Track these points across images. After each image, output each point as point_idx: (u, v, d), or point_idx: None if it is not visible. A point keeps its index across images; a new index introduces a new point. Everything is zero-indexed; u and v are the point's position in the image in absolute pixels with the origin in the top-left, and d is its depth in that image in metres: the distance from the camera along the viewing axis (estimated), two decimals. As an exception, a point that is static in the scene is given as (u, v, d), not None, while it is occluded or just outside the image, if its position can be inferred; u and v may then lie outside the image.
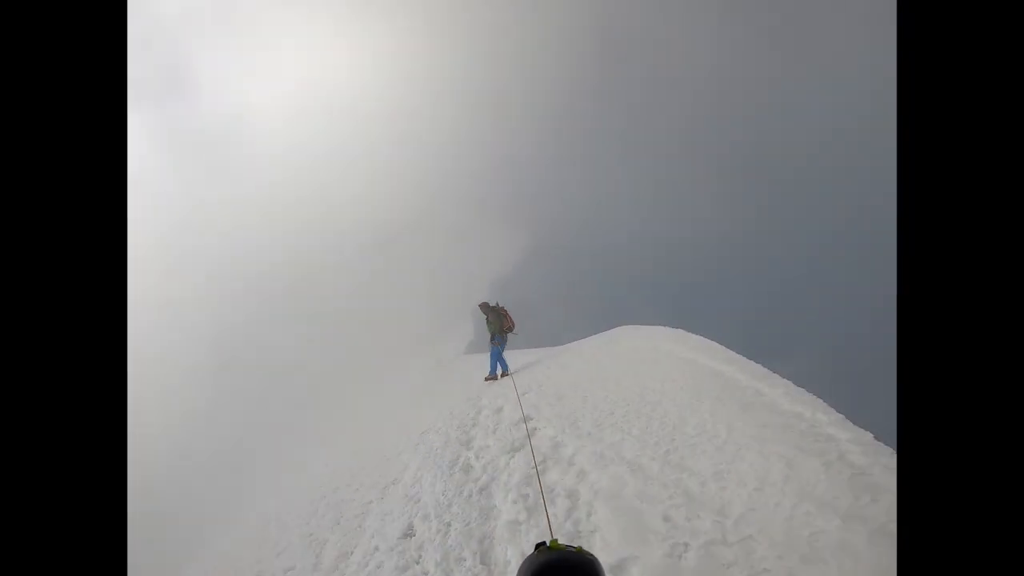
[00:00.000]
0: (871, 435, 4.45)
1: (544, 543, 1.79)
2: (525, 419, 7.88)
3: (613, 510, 4.80)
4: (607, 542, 4.45)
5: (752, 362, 7.09)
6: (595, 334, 15.60)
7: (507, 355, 12.99)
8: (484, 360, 12.93)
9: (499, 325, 12.99)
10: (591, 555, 1.74)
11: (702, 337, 9.40)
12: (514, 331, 13.24)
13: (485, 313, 13.21)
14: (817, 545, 3.58)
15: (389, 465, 8.86)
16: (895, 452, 4.15)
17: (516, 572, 1.77)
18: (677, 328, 10.83)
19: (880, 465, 4.04)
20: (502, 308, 13.32)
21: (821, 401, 5.29)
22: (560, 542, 1.78)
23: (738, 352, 8.31)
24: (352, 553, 6.13)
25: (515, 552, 4.87)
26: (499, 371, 12.51)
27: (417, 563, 5.29)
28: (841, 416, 4.87)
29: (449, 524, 5.75)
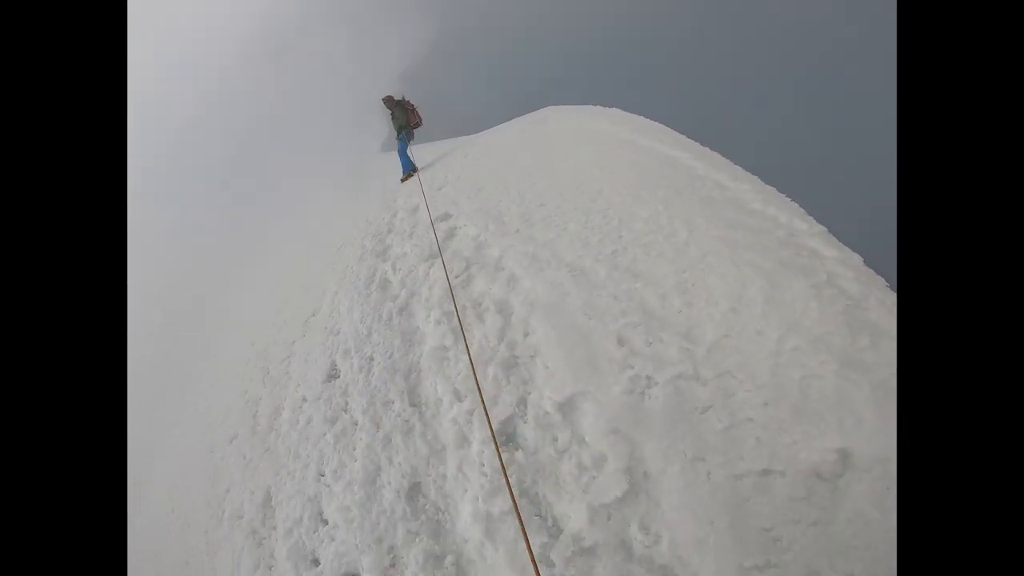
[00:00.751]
0: (859, 257, 3.72)
1: None
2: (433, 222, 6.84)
3: (554, 328, 4.06)
4: (551, 371, 3.75)
5: (710, 150, 6.12)
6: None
7: (422, 148, 12.19)
8: (398, 158, 11.92)
9: (405, 120, 12.20)
10: None
11: (643, 118, 8.25)
12: (421, 125, 12.53)
13: (390, 108, 12.28)
14: (811, 394, 2.94)
15: (308, 293, 7.81)
16: (889, 286, 3.44)
17: None
18: (612, 108, 9.58)
19: (875, 299, 3.33)
20: (408, 102, 12.38)
21: (798, 206, 4.48)
22: None
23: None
24: (283, 408, 5.36)
25: (445, 387, 4.16)
26: (412, 168, 11.68)
27: (345, 411, 4.62)
28: (823, 228, 4.10)
29: (371, 358, 5.02)
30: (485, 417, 3.59)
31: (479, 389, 3.74)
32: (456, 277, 5.40)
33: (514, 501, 2.84)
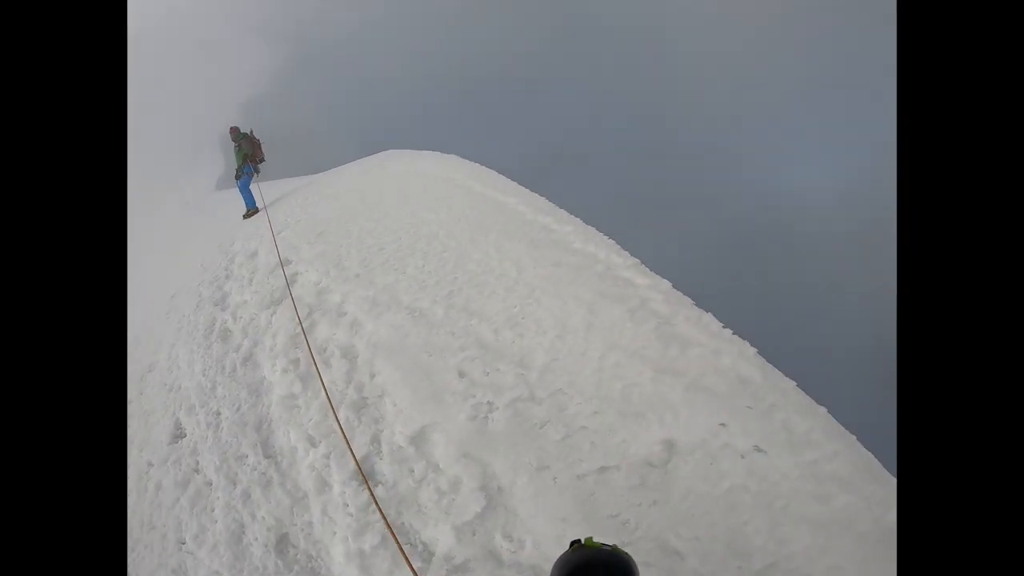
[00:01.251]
0: (668, 283, 4.27)
1: (579, 541, 1.75)
2: (283, 263, 6.77)
3: (398, 367, 4.23)
4: (400, 409, 3.91)
5: (536, 195, 6.62)
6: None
7: (264, 187, 11.48)
8: (237, 197, 11.35)
9: (252, 153, 11.52)
10: (626, 554, 1.72)
11: (479, 165, 8.69)
12: (264, 161, 11.91)
13: (236, 140, 11.54)
14: (632, 399, 3.36)
15: (142, 346, 7.11)
16: (695, 303, 4.01)
17: (550, 571, 1.74)
18: (450, 154, 9.95)
19: (682, 316, 3.87)
20: (255, 136, 11.77)
21: (614, 242, 5.02)
22: (595, 540, 1.74)
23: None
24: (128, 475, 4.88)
25: (299, 435, 4.12)
26: (257, 204, 11.03)
27: (197, 471, 4.39)
28: (637, 260, 4.65)
29: (218, 413, 4.83)
30: (347, 454, 3.66)
31: (339, 424, 3.80)
32: (299, 324, 5.37)
33: (389, 527, 2.96)
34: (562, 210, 5.95)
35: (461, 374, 3.95)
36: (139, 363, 6.69)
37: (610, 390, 3.44)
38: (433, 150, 10.62)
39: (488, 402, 3.65)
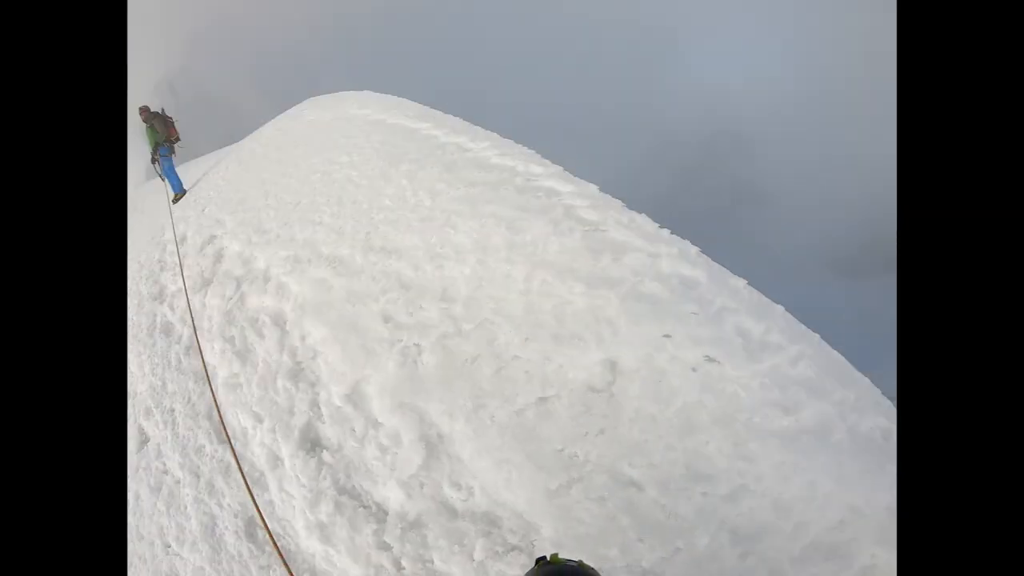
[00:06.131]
0: (595, 186, 4.00)
1: (544, 557, 1.75)
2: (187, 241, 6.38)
3: (327, 324, 3.99)
4: (332, 366, 3.68)
5: (450, 116, 6.24)
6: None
7: (188, 166, 11.00)
8: (162, 184, 10.80)
9: (165, 134, 10.86)
10: (592, 568, 1.71)
11: (392, 95, 8.20)
12: (179, 140, 11.28)
13: (147, 121, 10.78)
14: (566, 319, 3.12)
15: None
16: (625, 205, 3.75)
17: None
18: (363, 91, 9.40)
19: (612, 219, 3.58)
20: (166, 114, 11.07)
21: (535, 152, 4.71)
22: (560, 556, 1.74)
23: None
24: None
25: (246, 414, 3.92)
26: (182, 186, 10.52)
27: (165, 473, 4.18)
28: (559, 168, 4.36)
29: (172, 409, 4.59)
30: (290, 423, 3.48)
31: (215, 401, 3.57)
32: (230, 300, 5.07)
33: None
34: (477, 127, 5.61)
35: (386, 319, 3.71)
36: None
37: (540, 313, 3.21)
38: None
39: (415, 344, 3.43)
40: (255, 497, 3.34)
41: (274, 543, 3.08)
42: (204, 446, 4.07)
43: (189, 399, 4.54)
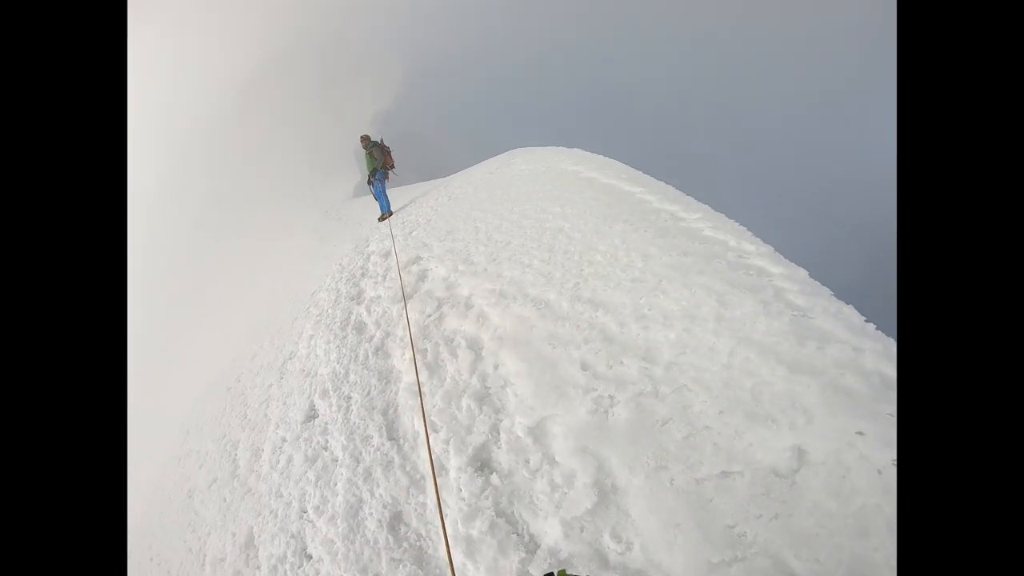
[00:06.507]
0: (804, 271, 3.96)
1: (552, 574, 1.79)
2: (405, 261, 7.05)
3: (524, 359, 4.24)
4: (521, 399, 3.92)
5: (663, 183, 6.44)
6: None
7: (395, 192, 12.43)
8: (371, 202, 12.25)
9: (382, 161, 12.43)
10: None
11: (603, 156, 8.60)
12: (395, 169, 12.83)
13: (367, 148, 12.44)
14: (763, 399, 3.13)
15: (284, 338, 8.05)
16: (834, 295, 3.68)
17: None
18: (574, 148, 9.95)
19: (820, 307, 3.55)
20: (384, 144, 12.66)
21: (746, 229, 4.75)
22: (568, 572, 1.79)
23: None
24: (263, 450, 5.46)
25: (421, 422, 4.29)
26: (389, 208, 12.08)
27: (325, 449, 4.74)
28: (770, 247, 4.36)
29: (349, 397, 5.18)
30: (466, 439, 3.75)
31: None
32: (428, 316, 5.59)
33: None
34: (690, 197, 5.73)
35: (584, 367, 3.90)
36: (281, 352, 7.39)
37: (739, 389, 3.23)
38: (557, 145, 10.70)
39: (610, 396, 3.57)
40: (438, 490, 3.60)
41: (444, 535, 3.29)
42: (372, 437, 4.49)
43: (369, 393, 5.04)
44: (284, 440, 5.32)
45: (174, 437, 8.69)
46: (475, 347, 4.73)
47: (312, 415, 5.36)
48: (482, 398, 4.14)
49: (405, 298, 6.29)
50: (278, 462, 5.07)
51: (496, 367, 4.35)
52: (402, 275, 7.02)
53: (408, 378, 4.84)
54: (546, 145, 11.57)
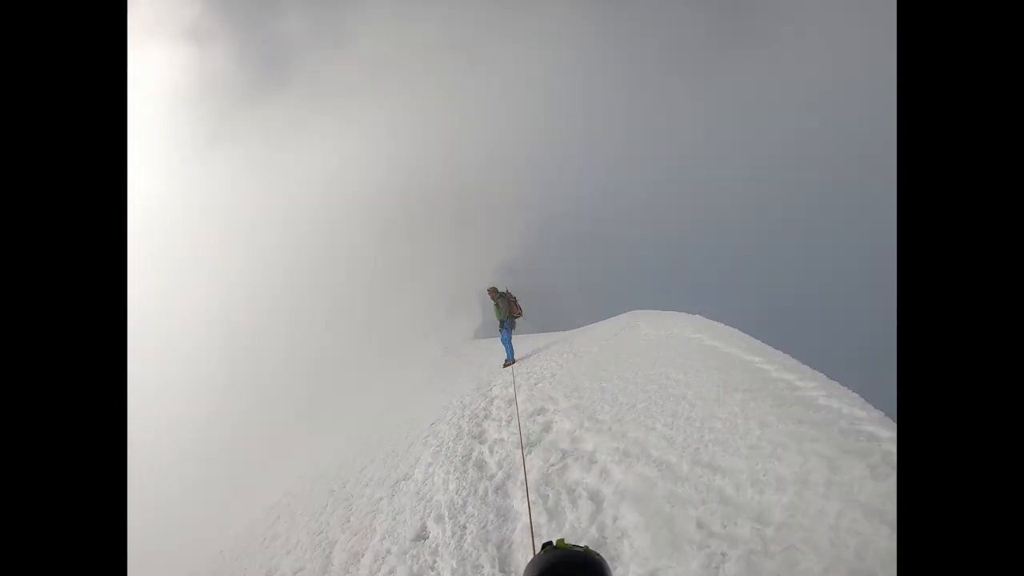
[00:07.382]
0: None
1: (551, 543, 1.80)
2: (537, 412, 7.67)
3: (642, 514, 4.59)
4: (636, 550, 4.24)
5: (780, 352, 6.79)
6: (606, 319, 15.28)
7: (517, 339, 13.45)
8: (493, 345, 13.48)
9: (508, 311, 13.43)
10: (598, 555, 1.75)
11: (723, 325, 9.08)
12: (522, 316, 13.80)
13: (494, 299, 13.57)
14: (866, 556, 3.34)
15: (399, 459, 8.79)
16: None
17: (523, 572, 1.78)
18: (695, 315, 10.51)
19: (928, 472, 3.76)
20: (511, 294, 13.75)
21: (858, 396, 5.00)
22: (567, 542, 1.80)
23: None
24: (363, 555, 6.03)
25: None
26: (513, 355, 12.88)
27: (432, 569, 5.17)
28: (880, 413, 4.59)
29: (464, 526, 5.62)
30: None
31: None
32: (552, 465, 6.06)
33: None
34: (805, 366, 6.04)
35: (700, 525, 4.19)
36: (395, 471, 8.11)
37: (843, 547, 3.43)
38: (673, 309, 11.24)
39: (722, 553, 3.84)
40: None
41: None
42: (483, 566, 4.82)
43: (485, 526, 5.44)
44: (389, 552, 5.75)
45: (259, 517, 9.23)
46: (596, 499, 5.11)
47: (423, 535, 5.79)
48: (599, 546, 4.46)
49: (523, 444, 6.81)
50: (379, 570, 5.48)
51: (615, 519, 4.69)
52: (527, 424, 7.61)
53: (525, 519, 5.21)
54: (660, 307, 12.16)
